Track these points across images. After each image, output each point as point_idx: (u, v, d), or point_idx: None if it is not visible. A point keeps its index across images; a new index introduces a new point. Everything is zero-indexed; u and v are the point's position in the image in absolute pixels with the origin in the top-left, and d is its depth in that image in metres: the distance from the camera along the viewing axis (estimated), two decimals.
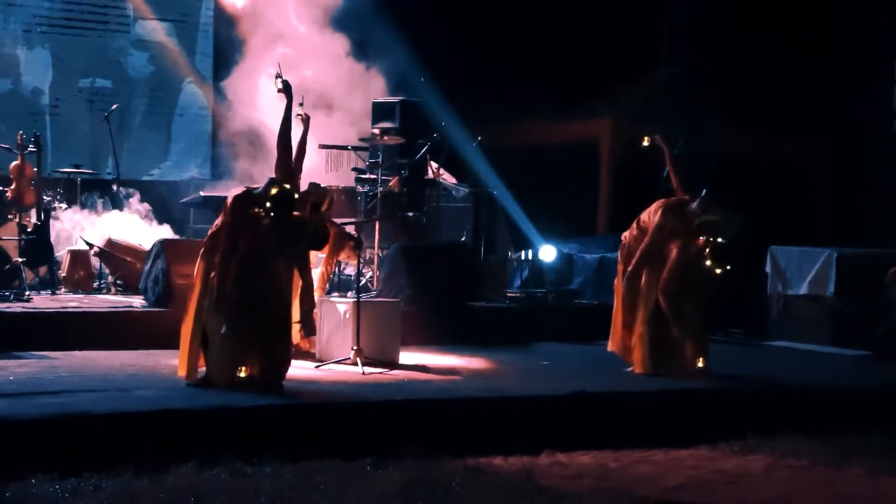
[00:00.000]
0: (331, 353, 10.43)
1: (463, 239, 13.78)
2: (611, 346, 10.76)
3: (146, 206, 13.83)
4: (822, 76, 16.12)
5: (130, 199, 13.70)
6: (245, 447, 7.80)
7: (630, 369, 10.57)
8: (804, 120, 15.62)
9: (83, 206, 13.45)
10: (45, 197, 12.79)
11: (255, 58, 14.46)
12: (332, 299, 10.76)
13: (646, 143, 10.92)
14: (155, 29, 15.36)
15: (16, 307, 11.09)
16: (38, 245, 12.44)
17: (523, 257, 14.12)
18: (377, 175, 13.54)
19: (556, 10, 15.94)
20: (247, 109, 14.35)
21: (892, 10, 16.98)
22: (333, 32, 14.58)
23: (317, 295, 10.23)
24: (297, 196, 9.18)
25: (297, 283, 9.25)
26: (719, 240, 10.23)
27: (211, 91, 15.58)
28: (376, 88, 14.66)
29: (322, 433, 8.28)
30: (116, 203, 13.53)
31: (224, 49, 15.09)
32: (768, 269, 13.51)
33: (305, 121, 10.00)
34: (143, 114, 15.59)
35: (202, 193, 13.62)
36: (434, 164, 13.79)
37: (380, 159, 13.70)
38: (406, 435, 8.36)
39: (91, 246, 12.78)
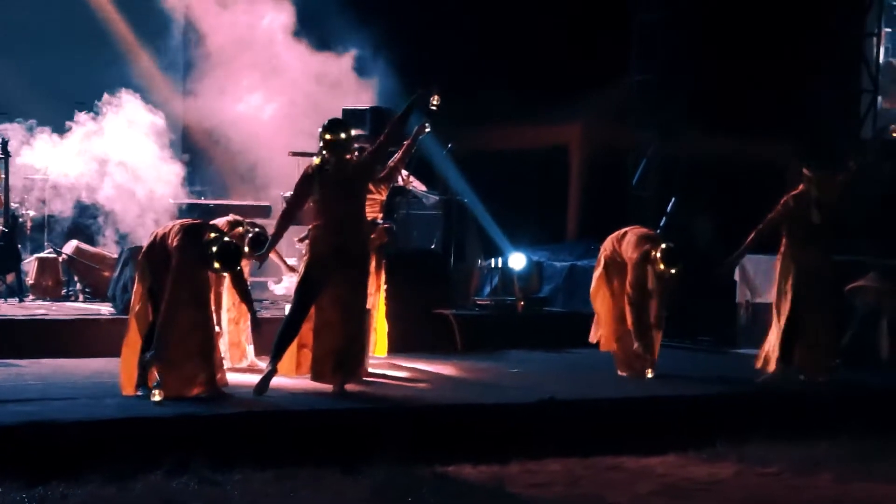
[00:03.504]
0: None
1: (433, 246, 13.77)
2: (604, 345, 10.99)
3: None
4: (793, 82, 16.19)
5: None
6: (214, 455, 7.76)
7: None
8: (775, 126, 15.68)
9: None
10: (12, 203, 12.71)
11: (226, 65, 14.41)
12: None
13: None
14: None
15: None
16: (6, 252, 12.33)
17: (493, 265, 14.11)
18: None
19: (526, 17, 15.96)
20: (217, 117, 14.31)
21: (858, 15, 17.10)
22: (304, 43, 14.53)
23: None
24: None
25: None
26: (668, 245, 10.51)
27: (181, 98, 15.51)
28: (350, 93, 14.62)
29: (292, 440, 8.25)
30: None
31: (194, 56, 15.03)
32: (737, 276, 13.54)
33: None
34: None
35: (171, 200, 13.54)
36: (404, 172, 13.76)
37: None
38: (376, 442, 8.34)
39: (59, 253, 12.71)
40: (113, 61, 14.67)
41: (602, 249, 11.06)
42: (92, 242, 13.18)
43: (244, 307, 10.11)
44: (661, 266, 10.48)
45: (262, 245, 9.76)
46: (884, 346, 12.27)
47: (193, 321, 8.81)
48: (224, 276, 9.35)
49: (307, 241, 9.57)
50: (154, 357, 8.69)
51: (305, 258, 9.49)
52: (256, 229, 10.03)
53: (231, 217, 10.23)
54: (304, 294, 9.39)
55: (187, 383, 8.79)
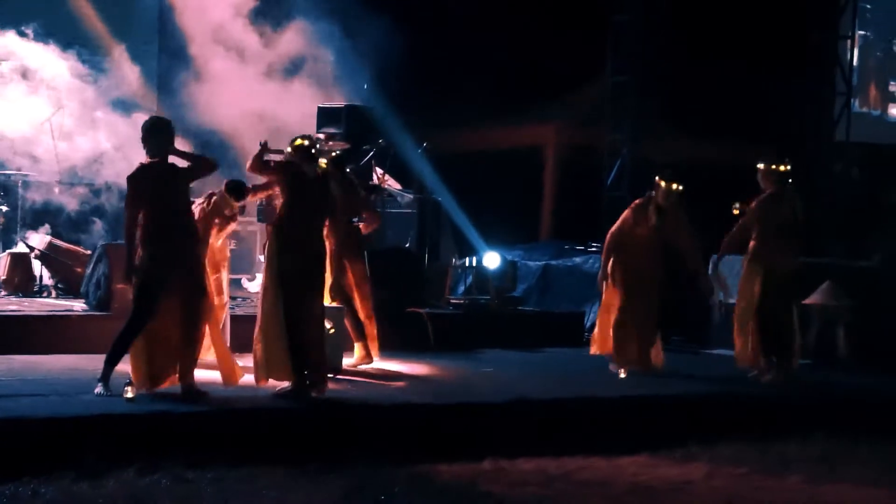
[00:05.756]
0: None
1: (407, 245, 13.78)
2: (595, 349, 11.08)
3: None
4: (767, 84, 16.29)
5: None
6: (187, 452, 7.75)
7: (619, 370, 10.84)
8: (749, 128, 15.77)
9: None
10: None
11: (200, 62, 14.35)
12: None
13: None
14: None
15: None
16: None
17: (467, 264, 14.14)
18: None
19: (502, 18, 15.98)
20: (192, 114, 14.25)
21: (832, 17, 17.21)
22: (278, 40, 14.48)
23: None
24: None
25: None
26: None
27: (155, 98, 15.44)
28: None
29: (265, 439, 8.25)
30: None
31: (170, 54, 14.97)
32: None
33: None
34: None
35: None
36: (379, 170, 13.77)
37: None
38: (349, 441, 8.36)
39: (32, 249, 12.65)
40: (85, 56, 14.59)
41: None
42: (62, 237, 13.11)
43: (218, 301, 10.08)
44: (664, 183, 10.68)
45: (240, 189, 9.72)
46: (842, 346, 12.46)
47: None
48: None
49: (276, 252, 9.33)
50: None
51: (278, 269, 9.32)
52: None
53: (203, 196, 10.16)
54: (295, 307, 9.21)
55: (160, 375, 8.78)
